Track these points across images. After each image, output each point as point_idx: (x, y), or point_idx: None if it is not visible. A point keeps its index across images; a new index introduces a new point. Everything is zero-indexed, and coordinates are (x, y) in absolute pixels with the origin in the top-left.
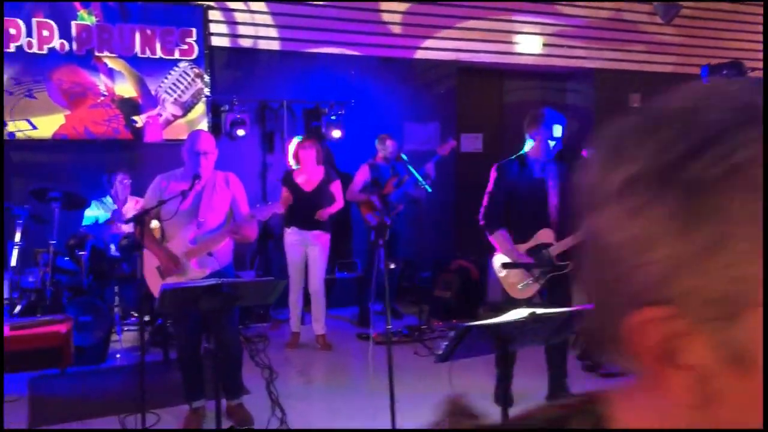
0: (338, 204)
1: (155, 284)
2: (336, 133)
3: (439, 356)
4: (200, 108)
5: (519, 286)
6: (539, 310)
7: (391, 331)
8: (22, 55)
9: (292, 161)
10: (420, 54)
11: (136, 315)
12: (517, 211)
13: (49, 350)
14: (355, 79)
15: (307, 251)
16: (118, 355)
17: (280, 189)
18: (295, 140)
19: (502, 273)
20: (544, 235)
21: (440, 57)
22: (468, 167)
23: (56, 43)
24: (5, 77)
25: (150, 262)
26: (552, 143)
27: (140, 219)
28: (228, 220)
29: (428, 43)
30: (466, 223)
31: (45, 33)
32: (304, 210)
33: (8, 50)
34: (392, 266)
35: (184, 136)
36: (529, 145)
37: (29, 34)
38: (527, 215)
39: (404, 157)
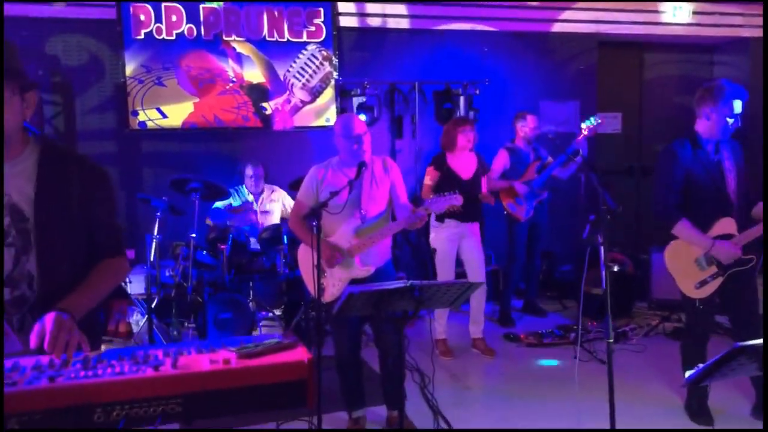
0: (483, 196)
1: (314, 282)
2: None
3: (692, 380)
4: (329, 93)
5: (695, 285)
6: None
7: (542, 333)
8: (151, 41)
9: (447, 145)
10: (557, 27)
11: (268, 309)
12: (693, 198)
13: (289, 386)
14: (488, 57)
15: (461, 245)
16: None
17: (423, 172)
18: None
19: (674, 270)
20: (725, 226)
21: (579, 30)
22: (607, 150)
23: (184, 28)
24: (135, 65)
25: (307, 258)
26: (731, 121)
27: (317, 213)
28: (389, 210)
29: (566, 14)
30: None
31: (174, 18)
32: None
33: (138, 37)
34: (615, 268)
35: (314, 123)
36: (702, 124)
37: (158, 20)
38: (705, 203)
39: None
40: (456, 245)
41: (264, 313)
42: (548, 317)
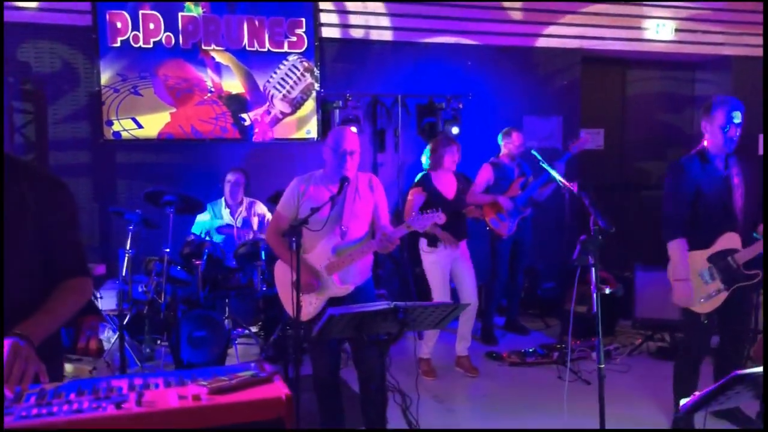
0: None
1: (290, 299)
2: (455, 130)
3: (687, 410)
4: (310, 105)
5: (701, 299)
6: None
7: (525, 351)
8: (128, 49)
9: (427, 162)
10: (542, 42)
11: (244, 326)
12: (699, 213)
13: (266, 425)
14: (472, 71)
15: (453, 266)
16: None
17: (405, 192)
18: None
19: (679, 285)
20: (729, 240)
21: (563, 45)
22: (589, 166)
23: (162, 36)
24: (111, 73)
25: (284, 275)
26: (727, 130)
27: (297, 230)
28: (371, 229)
29: (551, 29)
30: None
31: (151, 26)
32: (450, 220)
33: (114, 45)
34: (607, 291)
35: (294, 136)
36: (706, 139)
37: (135, 28)
38: (711, 218)
39: (536, 155)
40: (449, 267)
41: (240, 330)
42: (530, 335)
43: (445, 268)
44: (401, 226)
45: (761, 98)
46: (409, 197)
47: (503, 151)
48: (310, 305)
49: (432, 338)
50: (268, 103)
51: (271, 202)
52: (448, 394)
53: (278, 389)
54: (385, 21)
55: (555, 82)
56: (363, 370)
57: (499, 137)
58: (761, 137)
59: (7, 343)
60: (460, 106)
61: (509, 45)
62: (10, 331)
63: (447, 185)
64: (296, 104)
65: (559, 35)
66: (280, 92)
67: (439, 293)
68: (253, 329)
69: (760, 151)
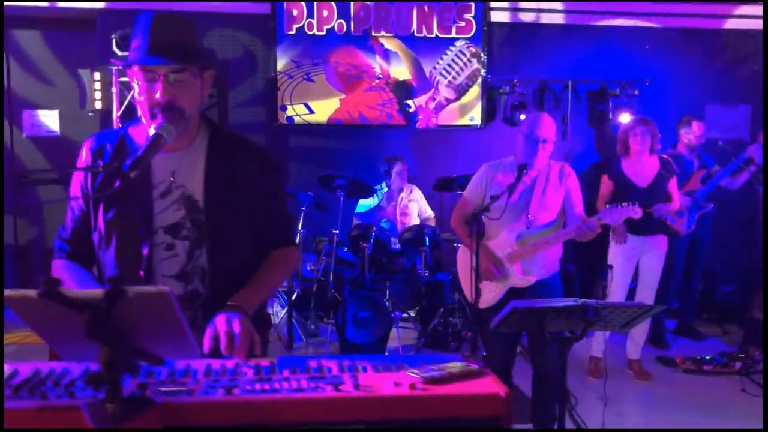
0: (674, 204)
1: (469, 285)
2: (625, 118)
3: None
4: (475, 91)
5: None
6: None
7: (701, 358)
8: (302, 37)
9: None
10: (731, 23)
11: (403, 310)
12: None
13: (481, 422)
14: (649, 56)
15: (640, 261)
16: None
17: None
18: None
19: None
20: None
21: (754, 26)
22: None
23: (335, 23)
24: (286, 60)
25: (465, 260)
26: None
27: (477, 218)
28: (560, 220)
29: (742, 9)
30: None
31: (325, 13)
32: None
33: (290, 32)
34: None
35: (458, 122)
36: None
37: (310, 15)
38: None
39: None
40: (634, 262)
41: (398, 313)
42: (706, 341)
43: (628, 262)
44: (592, 218)
45: None
46: (600, 189)
47: (682, 141)
48: (490, 293)
49: (603, 335)
50: (433, 90)
51: (435, 190)
52: (616, 397)
53: (495, 385)
54: (557, 3)
55: (744, 67)
56: (539, 367)
57: (677, 127)
58: None
59: (234, 317)
60: (636, 92)
61: (693, 27)
62: (226, 303)
63: (640, 171)
64: (461, 90)
65: (753, 16)
66: (446, 78)
67: (615, 286)
68: (411, 313)
69: None
